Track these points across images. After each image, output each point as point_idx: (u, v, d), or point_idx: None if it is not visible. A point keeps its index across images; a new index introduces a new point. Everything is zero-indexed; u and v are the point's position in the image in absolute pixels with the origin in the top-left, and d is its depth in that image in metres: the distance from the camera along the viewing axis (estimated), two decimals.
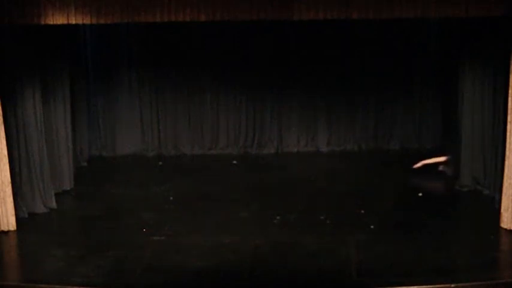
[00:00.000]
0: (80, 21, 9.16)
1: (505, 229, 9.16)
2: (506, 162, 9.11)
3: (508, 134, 9.08)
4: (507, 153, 9.09)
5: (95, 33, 12.81)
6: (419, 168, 11.72)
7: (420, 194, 10.66)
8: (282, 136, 13.46)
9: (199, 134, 13.41)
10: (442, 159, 11.76)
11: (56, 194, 10.53)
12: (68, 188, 11.09)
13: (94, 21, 9.17)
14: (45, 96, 10.30)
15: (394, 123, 13.43)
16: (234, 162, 12.87)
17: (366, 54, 13.12)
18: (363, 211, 9.95)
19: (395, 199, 10.58)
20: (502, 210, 9.23)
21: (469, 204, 10.44)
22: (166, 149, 13.36)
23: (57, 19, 9.06)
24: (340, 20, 9.22)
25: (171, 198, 10.73)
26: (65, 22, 9.09)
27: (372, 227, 9.35)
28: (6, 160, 9.33)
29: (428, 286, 7.58)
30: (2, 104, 9.25)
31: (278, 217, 9.78)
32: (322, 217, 9.73)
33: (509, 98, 9.05)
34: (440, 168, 11.74)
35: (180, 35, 12.69)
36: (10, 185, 9.39)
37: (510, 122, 9.03)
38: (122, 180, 11.84)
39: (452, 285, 7.58)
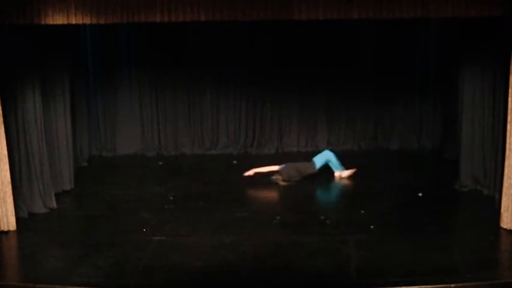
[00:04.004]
0: (80, 21, 9.14)
1: (505, 229, 9.14)
2: (506, 162, 9.10)
3: (508, 134, 9.06)
4: (507, 153, 9.08)
5: (95, 33, 12.81)
6: (250, 176, 11.37)
7: (420, 194, 10.65)
8: (282, 136, 13.47)
9: (199, 134, 13.42)
10: (274, 168, 11.45)
11: (56, 194, 10.51)
12: (68, 188, 11.07)
13: (94, 21, 9.14)
14: (45, 96, 10.28)
15: (394, 123, 13.43)
16: (234, 162, 12.87)
17: (366, 54, 13.14)
18: (363, 211, 9.94)
19: (395, 199, 10.56)
20: (502, 210, 9.21)
21: (469, 204, 10.43)
22: (166, 149, 13.36)
23: (57, 19, 9.04)
24: (340, 20, 9.21)
25: (171, 198, 10.72)
26: (65, 22, 9.07)
27: (371, 227, 9.34)
28: (6, 160, 9.32)
29: (428, 286, 7.57)
30: (2, 104, 9.24)
31: (278, 217, 9.77)
32: (322, 217, 9.72)
33: (509, 98, 9.03)
34: (273, 177, 11.46)
35: (180, 35, 12.69)
36: (10, 185, 9.38)
37: (510, 122, 9.01)
38: (122, 180, 11.83)
39: (452, 285, 7.57)
